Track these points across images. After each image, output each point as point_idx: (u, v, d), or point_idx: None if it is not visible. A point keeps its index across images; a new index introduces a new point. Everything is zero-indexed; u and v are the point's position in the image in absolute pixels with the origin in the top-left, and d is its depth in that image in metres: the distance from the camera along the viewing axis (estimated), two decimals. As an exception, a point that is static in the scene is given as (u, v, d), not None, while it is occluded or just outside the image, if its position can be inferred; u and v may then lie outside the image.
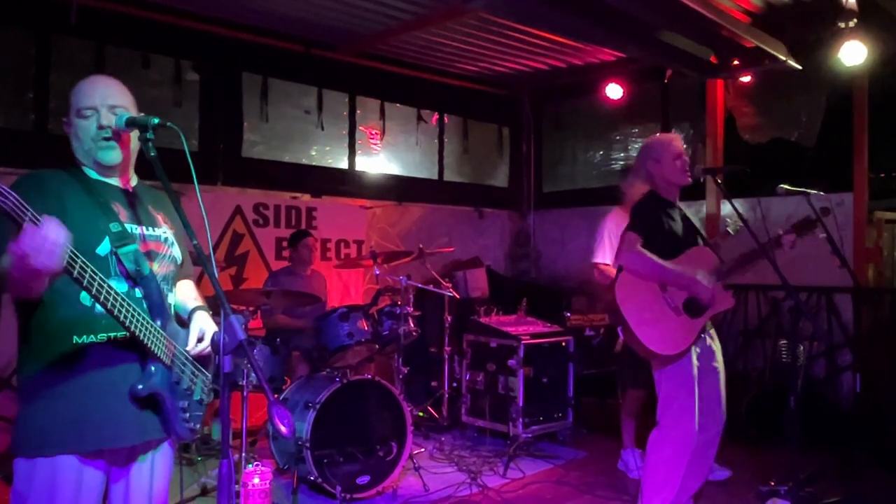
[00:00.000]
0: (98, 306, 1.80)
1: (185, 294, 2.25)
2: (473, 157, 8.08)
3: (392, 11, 5.67)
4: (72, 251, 1.62)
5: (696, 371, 3.36)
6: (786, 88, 6.26)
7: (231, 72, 6.08)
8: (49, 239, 1.54)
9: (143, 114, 1.98)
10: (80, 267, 1.66)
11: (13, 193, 1.52)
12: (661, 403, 3.41)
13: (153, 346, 1.90)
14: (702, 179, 4.31)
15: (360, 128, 6.99)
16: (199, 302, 2.24)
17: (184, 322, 2.14)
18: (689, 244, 3.45)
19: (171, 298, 2.10)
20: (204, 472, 4.26)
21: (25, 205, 1.53)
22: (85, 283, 1.68)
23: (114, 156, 1.99)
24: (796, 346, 4.93)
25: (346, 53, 6.51)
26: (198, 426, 2.10)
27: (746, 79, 6.18)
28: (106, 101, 1.98)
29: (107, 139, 1.96)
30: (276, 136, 6.40)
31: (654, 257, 3.28)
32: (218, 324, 1.97)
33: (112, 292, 1.76)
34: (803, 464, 4.07)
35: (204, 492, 4.03)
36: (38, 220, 1.54)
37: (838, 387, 5.63)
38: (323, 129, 6.65)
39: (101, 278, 1.73)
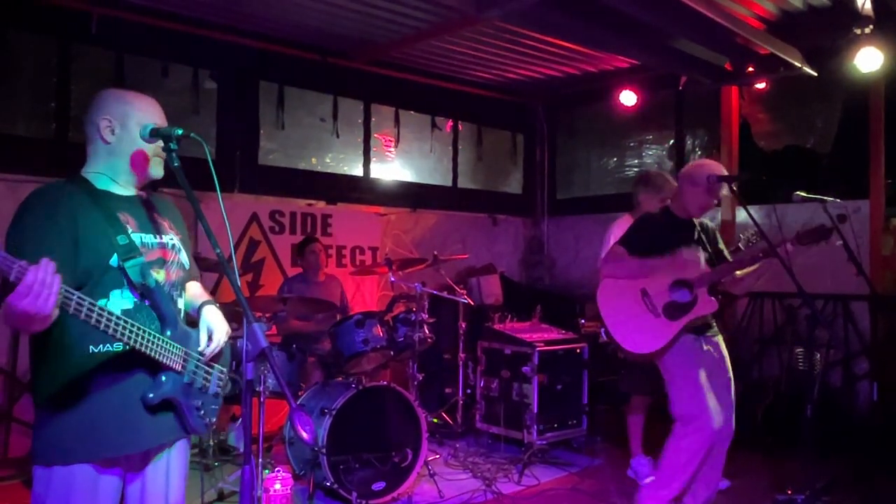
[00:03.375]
0: None
1: (191, 292, 2.27)
2: (487, 164, 8.10)
3: (407, 20, 5.70)
4: (66, 290, 1.65)
5: (700, 365, 3.46)
6: (801, 95, 6.24)
7: (248, 80, 6.14)
8: (40, 286, 1.58)
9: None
10: (77, 303, 1.69)
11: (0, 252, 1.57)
12: (672, 398, 3.52)
13: (162, 358, 1.93)
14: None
15: (375, 135, 7.03)
16: (206, 297, 2.26)
17: (194, 320, 2.17)
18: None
19: (182, 303, 2.14)
20: (221, 477, 4.29)
21: (11, 259, 1.58)
22: (83, 316, 1.70)
23: (161, 171, 2.08)
24: (812, 354, 4.90)
25: (361, 61, 6.56)
26: (213, 419, 2.14)
27: (761, 85, 6.17)
28: (164, 123, 2.07)
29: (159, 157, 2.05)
30: (292, 143, 6.46)
31: (631, 259, 3.49)
32: (231, 323, 1.99)
33: (113, 318, 1.78)
34: (820, 472, 4.05)
35: (221, 497, 4.07)
36: (24, 270, 1.58)
37: (855, 395, 5.60)
38: (338, 136, 6.70)
39: (99, 308, 1.74)
